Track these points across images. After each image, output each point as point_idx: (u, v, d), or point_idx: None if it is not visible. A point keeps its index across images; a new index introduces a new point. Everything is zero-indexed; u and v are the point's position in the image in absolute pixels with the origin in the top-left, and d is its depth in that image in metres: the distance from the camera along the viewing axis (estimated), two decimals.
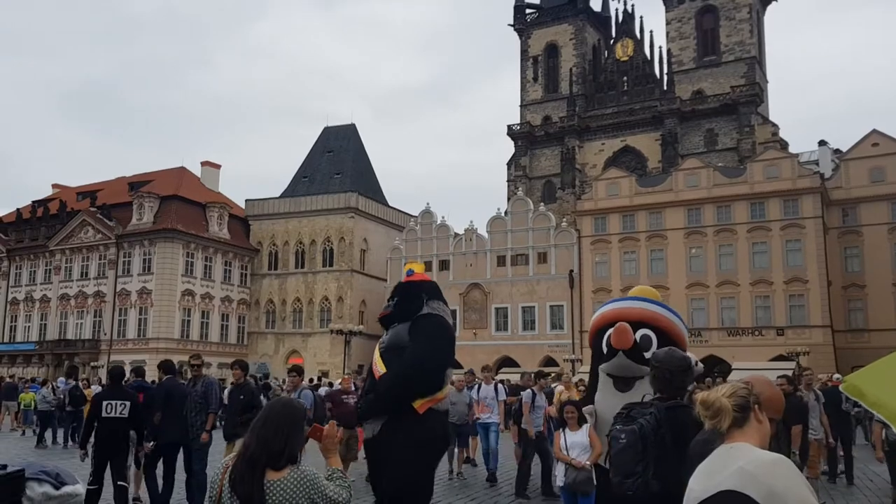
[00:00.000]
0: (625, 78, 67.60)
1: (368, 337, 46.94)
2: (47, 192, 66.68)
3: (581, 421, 7.15)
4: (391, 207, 63.46)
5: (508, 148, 72.41)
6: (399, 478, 5.59)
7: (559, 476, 7.65)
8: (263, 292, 58.74)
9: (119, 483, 8.55)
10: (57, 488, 10.38)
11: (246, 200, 61.62)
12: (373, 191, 62.81)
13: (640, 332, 6.01)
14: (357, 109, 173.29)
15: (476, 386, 13.86)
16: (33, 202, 62.83)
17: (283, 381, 34.40)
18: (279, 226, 59.16)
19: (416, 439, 5.63)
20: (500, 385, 15.03)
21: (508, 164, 70.62)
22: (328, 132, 66.09)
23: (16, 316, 58.97)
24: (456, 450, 13.23)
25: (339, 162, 63.40)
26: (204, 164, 63.39)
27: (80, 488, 10.66)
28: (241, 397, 9.74)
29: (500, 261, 52.13)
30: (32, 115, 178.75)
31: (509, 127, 70.49)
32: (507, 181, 69.47)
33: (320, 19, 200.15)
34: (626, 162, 63.10)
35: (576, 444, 7.33)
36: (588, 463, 7.08)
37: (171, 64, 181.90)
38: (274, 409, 3.17)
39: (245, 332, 58.54)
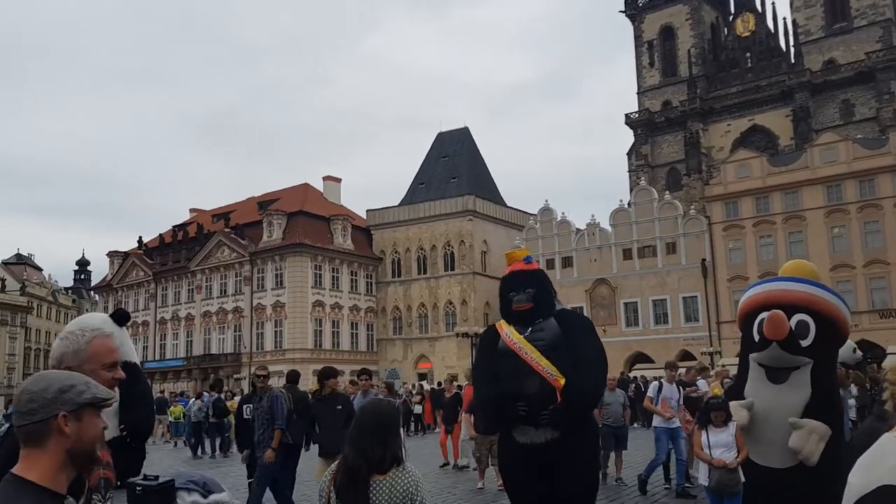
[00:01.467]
0: (748, 54, 64.26)
1: None
2: (186, 216, 70.57)
3: (727, 420, 6.46)
4: (509, 207, 63.01)
5: (627, 137, 70.55)
6: (582, 482, 5.42)
7: (702, 476, 6.99)
8: (389, 299, 59.71)
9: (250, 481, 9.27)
10: (205, 497, 10.64)
11: (367, 211, 62.94)
12: (490, 192, 62.60)
13: (796, 317, 5.43)
14: (470, 113, 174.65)
15: (657, 385, 12.96)
16: (174, 227, 66.60)
17: (413, 386, 34.57)
18: (400, 233, 59.99)
19: (591, 443, 5.52)
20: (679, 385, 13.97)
21: (629, 154, 68.62)
22: (442, 137, 66.51)
23: (164, 334, 62.73)
24: (613, 453, 12.17)
25: (454, 166, 63.63)
26: (326, 178, 65.33)
27: (227, 497, 10.90)
28: (339, 408, 8.95)
29: (626, 254, 50.55)
30: (169, 145, 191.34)
31: (627, 116, 68.50)
32: (629, 171, 67.50)
33: (431, 28, 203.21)
34: (756, 142, 59.92)
35: (720, 442, 6.61)
36: (733, 462, 6.41)
37: (291, 85, 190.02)
38: (365, 416, 3.19)
39: (374, 340, 59.72)
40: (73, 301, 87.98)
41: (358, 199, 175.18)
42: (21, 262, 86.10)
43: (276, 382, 12.48)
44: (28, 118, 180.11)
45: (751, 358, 5.66)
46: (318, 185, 64.78)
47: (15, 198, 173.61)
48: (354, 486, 2.99)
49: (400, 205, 62.46)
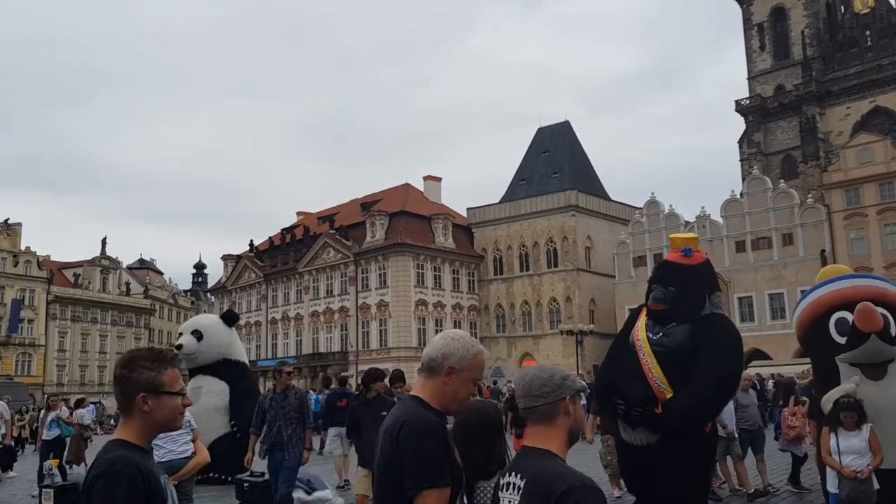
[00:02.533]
0: (867, 32, 60.30)
1: (601, 336, 45.62)
2: (293, 219, 72.72)
3: (860, 422, 5.77)
4: (614, 201, 61.54)
5: (738, 125, 67.62)
6: (678, 491, 5.15)
7: (830, 483, 6.29)
8: (492, 297, 59.46)
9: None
10: (309, 493, 10.62)
11: (467, 209, 62.91)
12: (593, 186, 61.32)
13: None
14: (570, 106, 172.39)
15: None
16: (282, 230, 68.75)
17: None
18: (501, 231, 59.63)
19: (696, 454, 5.22)
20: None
21: (740, 143, 65.71)
22: (542, 132, 65.67)
23: (276, 334, 64.85)
24: (755, 458, 10.65)
25: (555, 161, 62.68)
26: (426, 178, 65.78)
27: (330, 494, 10.83)
28: (384, 414, 7.29)
29: (739, 246, 48.37)
30: (276, 151, 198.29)
31: (738, 102, 65.60)
32: (740, 160, 64.63)
33: (528, 22, 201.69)
34: (878, 124, 56.11)
35: (851, 448, 5.90)
36: (864, 472, 5.71)
37: (391, 88, 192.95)
38: (468, 418, 3.02)
39: (477, 338, 59.55)
40: (192, 303, 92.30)
41: (458, 197, 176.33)
42: (144, 266, 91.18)
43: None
44: (146, 131, 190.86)
45: (839, 360, 5.46)
46: (419, 184, 65.31)
47: (137, 206, 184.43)
48: (459, 493, 2.80)
49: (501, 202, 62.09)
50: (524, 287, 57.81)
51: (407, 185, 64.23)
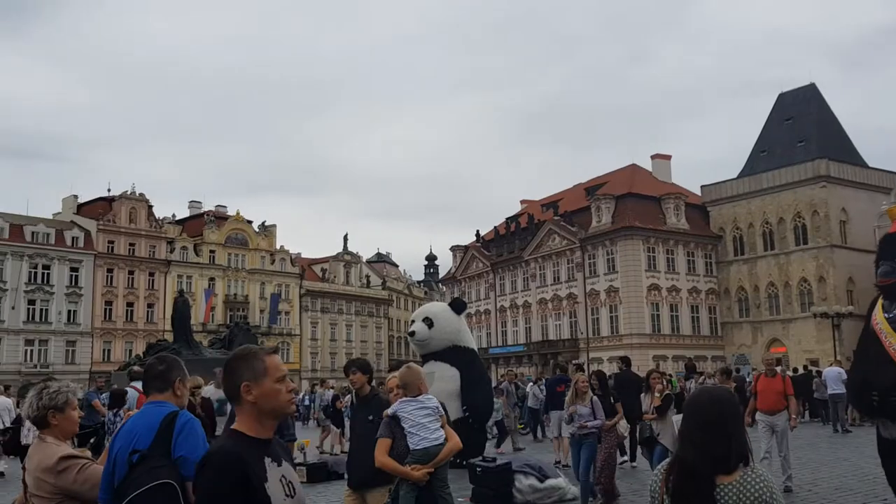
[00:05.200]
0: None
1: (861, 319, 40.59)
2: (517, 207, 73.22)
3: None
4: (872, 169, 54.82)
5: None
6: None
7: None
8: (732, 280, 55.51)
9: None
10: (541, 481, 10.18)
11: (701, 187, 59.31)
12: (846, 154, 54.95)
13: None
14: (816, 68, 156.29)
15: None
16: (507, 219, 69.45)
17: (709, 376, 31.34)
18: (740, 208, 55.42)
19: None
20: None
21: None
22: (784, 98, 59.97)
23: (504, 321, 65.71)
24: None
25: (800, 128, 56.95)
26: (654, 157, 63.03)
27: (563, 482, 10.31)
28: (370, 418, 5.57)
29: None
30: (498, 140, 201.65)
31: None
32: None
33: None
34: None
35: None
36: None
37: (613, 67, 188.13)
38: (701, 404, 2.58)
39: (717, 323, 56.02)
40: (425, 293, 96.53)
41: (690, 175, 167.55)
42: (381, 260, 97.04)
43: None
44: (381, 133, 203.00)
45: None
46: (647, 164, 62.74)
47: (373, 204, 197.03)
48: (696, 490, 2.44)
49: (739, 177, 57.74)
50: (769, 267, 53.28)
51: (633, 167, 61.95)
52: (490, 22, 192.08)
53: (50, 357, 56.49)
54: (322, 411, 21.08)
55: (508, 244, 65.50)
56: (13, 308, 55.65)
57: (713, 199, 57.48)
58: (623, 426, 9.70)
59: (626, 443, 12.46)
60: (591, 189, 60.79)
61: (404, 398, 5.28)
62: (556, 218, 59.83)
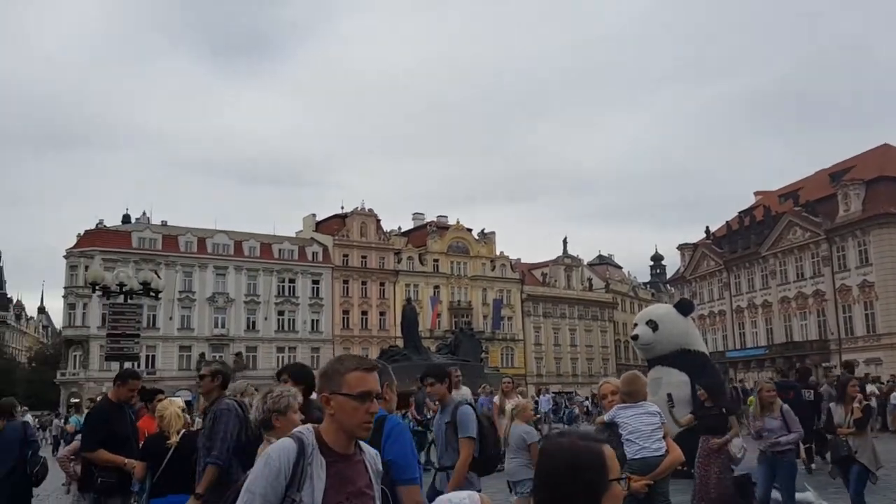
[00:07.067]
0: None
1: None
2: (750, 200, 68.06)
3: None
4: None
5: None
6: None
7: None
8: None
9: None
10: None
11: None
12: None
13: None
14: None
15: None
16: (739, 213, 64.77)
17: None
18: None
19: None
20: None
21: None
22: None
23: (742, 323, 61.19)
24: None
25: None
26: None
27: (812, 496, 8.92)
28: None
29: None
30: (725, 130, 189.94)
31: None
32: None
33: None
34: None
35: None
36: None
37: (855, 45, 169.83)
38: None
39: None
40: (652, 295, 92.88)
41: None
42: (603, 262, 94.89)
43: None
44: (595, 134, 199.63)
45: None
46: None
47: (591, 206, 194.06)
48: None
49: None
50: None
51: (885, 147, 54.98)
52: (713, 2, 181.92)
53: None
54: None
55: (743, 240, 61.05)
56: (265, 319, 61.67)
57: None
58: (737, 446, 8.11)
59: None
60: (836, 175, 54.78)
61: (621, 404, 4.90)
62: (796, 209, 54.66)
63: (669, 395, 10.28)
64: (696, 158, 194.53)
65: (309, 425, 2.42)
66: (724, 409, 8.55)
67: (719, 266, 63.13)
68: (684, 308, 13.98)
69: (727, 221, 65.44)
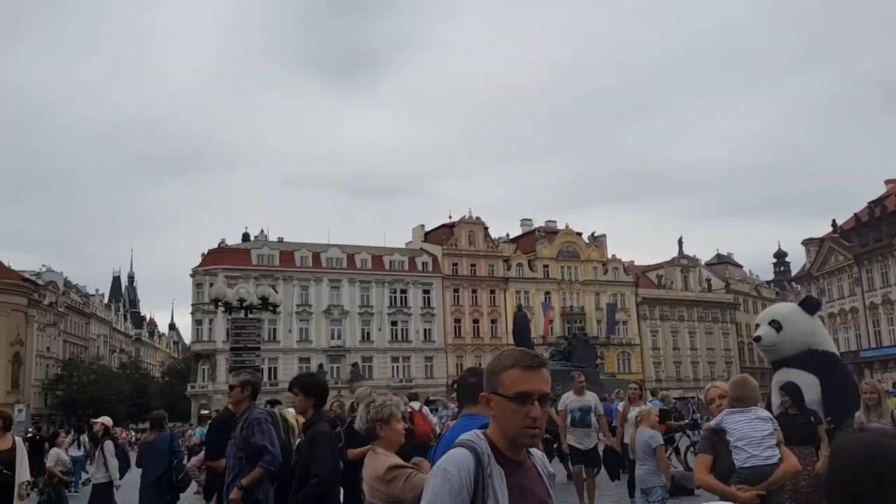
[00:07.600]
0: None
1: None
2: (881, 189, 63.81)
3: None
4: None
5: None
6: None
7: None
8: None
9: None
10: None
11: None
12: None
13: None
14: None
15: None
16: (869, 203, 60.91)
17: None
18: None
19: None
20: None
21: None
22: None
23: (877, 320, 57.31)
24: None
25: None
26: None
27: None
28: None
29: None
30: (850, 117, 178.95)
31: None
32: None
33: None
34: None
35: None
36: None
37: None
38: None
39: None
40: (776, 293, 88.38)
41: None
42: (721, 261, 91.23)
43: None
44: (706, 130, 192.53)
45: None
46: None
47: (706, 204, 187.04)
48: None
49: None
50: None
51: None
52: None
53: (411, 372, 62.52)
54: None
55: (874, 232, 57.23)
56: (379, 329, 62.91)
57: None
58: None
59: None
60: None
61: (729, 409, 4.64)
62: None
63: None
64: (818, 148, 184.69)
65: (478, 430, 2.16)
66: (811, 417, 7.65)
67: (849, 261, 59.46)
68: (810, 306, 13.19)
69: (856, 213, 61.60)
